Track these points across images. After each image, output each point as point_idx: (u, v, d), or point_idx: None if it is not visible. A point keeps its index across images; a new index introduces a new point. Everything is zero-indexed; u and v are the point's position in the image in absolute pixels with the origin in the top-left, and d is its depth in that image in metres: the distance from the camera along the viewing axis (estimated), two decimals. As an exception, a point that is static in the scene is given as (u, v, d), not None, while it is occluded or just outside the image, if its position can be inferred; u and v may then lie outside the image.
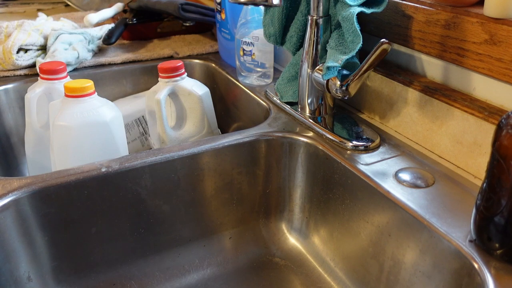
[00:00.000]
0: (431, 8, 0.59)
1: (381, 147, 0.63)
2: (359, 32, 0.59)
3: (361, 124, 0.68)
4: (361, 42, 0.59)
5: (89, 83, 0.67)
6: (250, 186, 0.69)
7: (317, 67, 0.67)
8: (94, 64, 0.95)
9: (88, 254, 0.61)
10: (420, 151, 0.62)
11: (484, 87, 0.56)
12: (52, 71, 0.75)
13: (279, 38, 0.74)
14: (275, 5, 0.56)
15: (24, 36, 0.91)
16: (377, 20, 0.68)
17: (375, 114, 0.71)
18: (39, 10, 1.43)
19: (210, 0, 1.16)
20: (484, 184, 0.43)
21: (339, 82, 0.62)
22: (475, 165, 0.56)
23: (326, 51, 0.65)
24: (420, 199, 0.52)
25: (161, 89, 0.76)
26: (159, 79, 0.77)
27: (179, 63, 0.77)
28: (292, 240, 0.70)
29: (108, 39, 0.98)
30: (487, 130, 0.53)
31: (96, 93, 0.69)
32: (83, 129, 0.66)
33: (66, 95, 0.67)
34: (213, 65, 0.98)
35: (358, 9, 0.60)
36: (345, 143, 0.63)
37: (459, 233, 0.47)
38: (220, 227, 0.69)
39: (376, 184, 0.55)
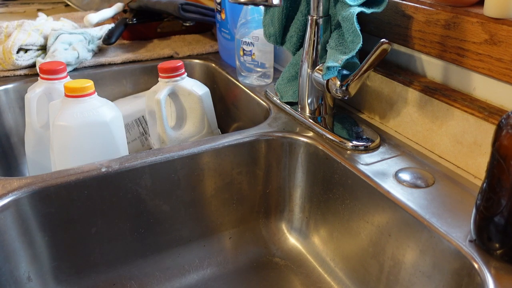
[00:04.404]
0: (431, 8, 0.59)
1: (381, 147, 0.63)
2: (359, 32, 0.59)
3: (361, 124, 0.68)
4: (361, 42, 0.59)
5: (89, 83, 0.67)
6: (250, 186, 0.69)
7: (317, 67, 0.67)
8: (94, 64, 0.95)
9: (88, 254, 0.61)
10: (420, 151, 0.62)
11: (484, 87, 0.56)
12: (52, 71, 0.75)
13: (279, 38, 0.74)
14: (275, 5, 0.56)
15: (24, 36, 0.91)
16: (377, 20, 0.68)
17: (375, 114, 0.71)
18: (39, 10, 1.43)
19: (210, 0, 1.16)
20: (484, 184, 0.43)
21: (339, 82, 0.62)
22: (475, 165, 0.56)
23: (326, 51, 0.65)
24: (420, 199, 0.52)
25: (161, 89, 0.76)
26: (159, 79, 0.77)
27: (179, 63, 0.77)
28: (292, 240, 0.70)
29: (108, 39, 0.98)
30: (487, 130, 0.53)
31: (96, 93, 0.69)
32: (83, 129, 0.66)
33: (66, 95, 0.67)
34: (213, 65, 0.98)
35: (358, 9, 0.60)
36: (345, 143, 0.63)
37: (459, 233, 0.47)
38: (220, 227, 0.69)
39: (376, 184, 0.55)
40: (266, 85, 0.84)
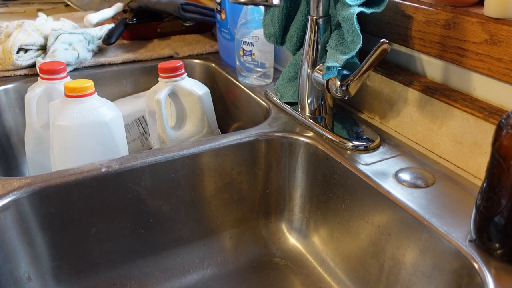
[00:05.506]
0: (431, 8, 0.59)
1: (381, 147, 0.63)
2: (359, 32, 0.59)
3: (361, 124, 0.68)
4: (361, 42, 0.59)
5: (89, 83, 0.67)
6: (250, 186, 0.69)
7: (317, 67, 0.67)
8: (94, 64, 0.95)
9: (88, 254, 0.61)
10: (420, 151, 0.62)
11: (484, 87, 0.56)
12: (52, 71, 0.75)
13: (279, 38, 0.74)
14: (275, 5, 0.56)
15: (24, 36, 0.91)
16: (377, 20, 0.68)
17: (375, 114, 0.71)
18: (39, 10, 1.43)
19: (210, 0, 1.16)
20: (484, 184, 0.43)
21: (339, 82, 0.62)
22: (475, 165, 0.56)
23: (326, 51, 0.65)
24: (420, 199, 0.52)
25: (161, 89, 0.76)
26: (159, 79, 0.77)
27: (179, 63, 0.77)
28: (292, 240, 0.70)
29: (108, 39, 0.98)
30: (487, 130, 0.53)
31: (96, 93, 0.69)
32: (83, 129, 0.66)
33: (66, 95, 0.67)
34: (213, 65, 0.98)
35: (358, 9, 0.60)
36: (345, 143, 0.63)
37: (459, 233, 0.47)
38: (220, 227, 0.69)
39: (376, 184, 0.55)
40: (266, 85, 0.84)
